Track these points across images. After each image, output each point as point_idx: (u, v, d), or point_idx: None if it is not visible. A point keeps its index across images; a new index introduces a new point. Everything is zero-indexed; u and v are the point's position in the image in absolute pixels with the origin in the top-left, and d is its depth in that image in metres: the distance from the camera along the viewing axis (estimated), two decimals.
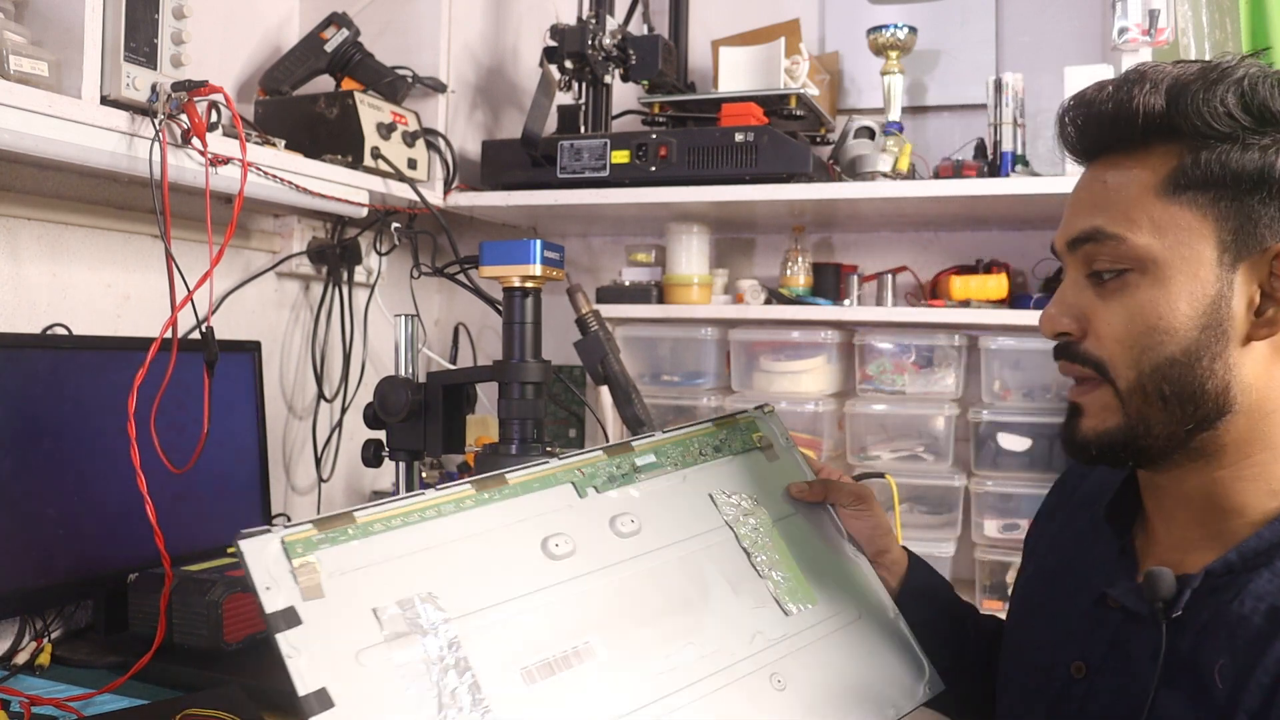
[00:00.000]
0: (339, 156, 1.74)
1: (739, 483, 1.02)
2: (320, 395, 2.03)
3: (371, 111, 1.79)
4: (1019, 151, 1.79)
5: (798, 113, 1.91)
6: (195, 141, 1.38)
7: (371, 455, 1.40)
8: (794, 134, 1.88)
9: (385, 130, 1.80)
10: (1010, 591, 1.19)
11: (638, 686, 0.82)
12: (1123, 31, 1.66)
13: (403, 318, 1.44)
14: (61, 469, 1.35)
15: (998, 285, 1.88)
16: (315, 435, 2.02)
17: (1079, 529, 0.94)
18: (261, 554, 0.75)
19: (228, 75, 1.84)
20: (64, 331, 1.47)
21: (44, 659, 1.35)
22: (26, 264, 1.47)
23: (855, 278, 2.02)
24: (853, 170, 1.86)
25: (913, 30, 1.95)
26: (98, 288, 1.58)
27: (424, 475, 1.56)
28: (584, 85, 2.00)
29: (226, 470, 1.60)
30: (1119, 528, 0.88)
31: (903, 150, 1.86)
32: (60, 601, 1.42)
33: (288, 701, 0.70)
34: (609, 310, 1.96)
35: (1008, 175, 1.77)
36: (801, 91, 1.89)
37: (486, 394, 1.86)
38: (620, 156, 1.88)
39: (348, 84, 1.87)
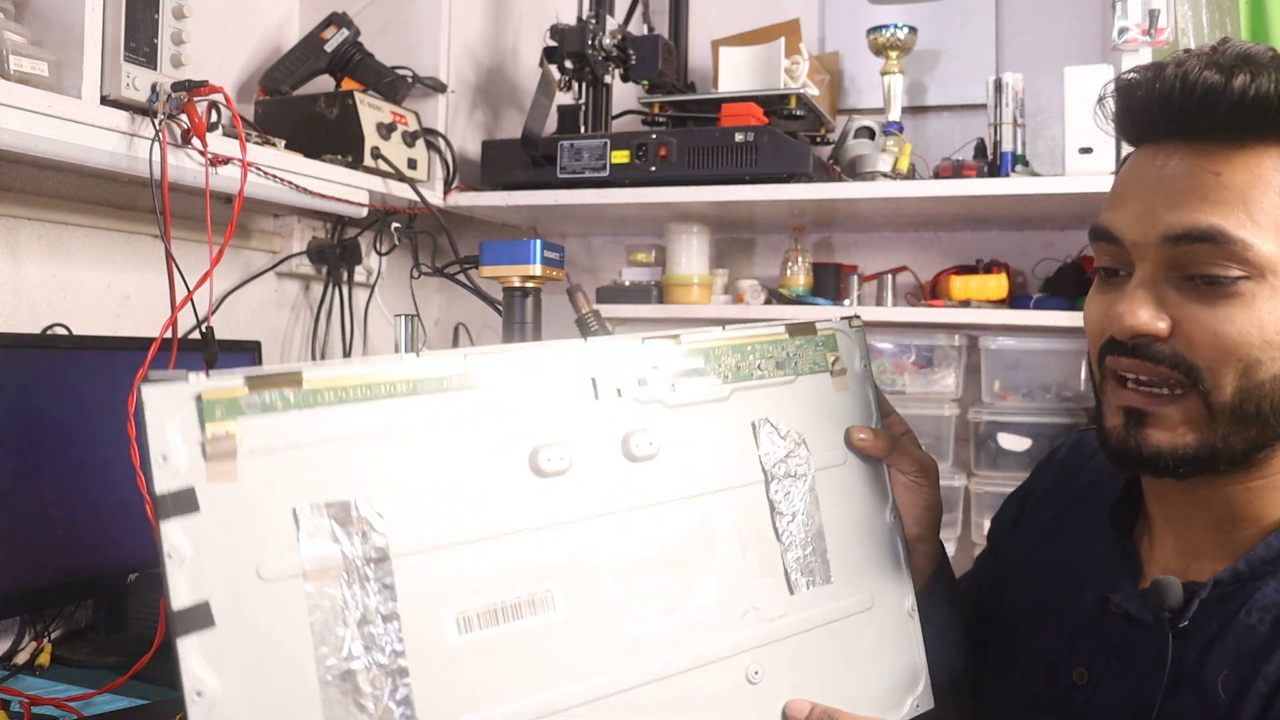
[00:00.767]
0: (339, 156, 1.74)
1: (793, 412, 0.82)
2: None
3: (371, 111, 1.79)
4: (1019, 151, 1.79)
5: (798, 113, 1.91)
6: (195, 141, 1.38)
7: None
8: (794, 134, 1.88)
9: (385, 130, 1.80)
10: (978, 556, 1.09)
11: (590, 655, 0.68)
12: (1123, 31, 1.66)
13: (403, 318, 1.43)
14: (61, 469, 1.35)
15: (998, 285, 1.88)
16: None
17: (1078, 525, 0.91)
18: (167, 409, 0.57)
19: (228, 75, 1.84)
20: (64, 331, 1.47)
21: (44, 659, 1.35)
22: (26, 264, 1.47)
23: (855, 278, 2.02)
24: (853, 170, 1.86)
25: (913, 30, 1.95)
26: (98, 288, 1.58)
27: None
28: (584, 85, 1.99)
29: None
30: (1121, 529, 0.85)
31: (903, 150, 1.86)
32: (60, 601, 1.42)
33: None
34: (609, 310, 1.96)
35: (1008, 175, 1.77)
36: (801, 91, 1.89)
37: None
38: (620, 156, 1.88)
39: (348, 84, 1.87)
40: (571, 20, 1.95)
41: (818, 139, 2.05)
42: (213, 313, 1.58)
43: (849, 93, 2.18)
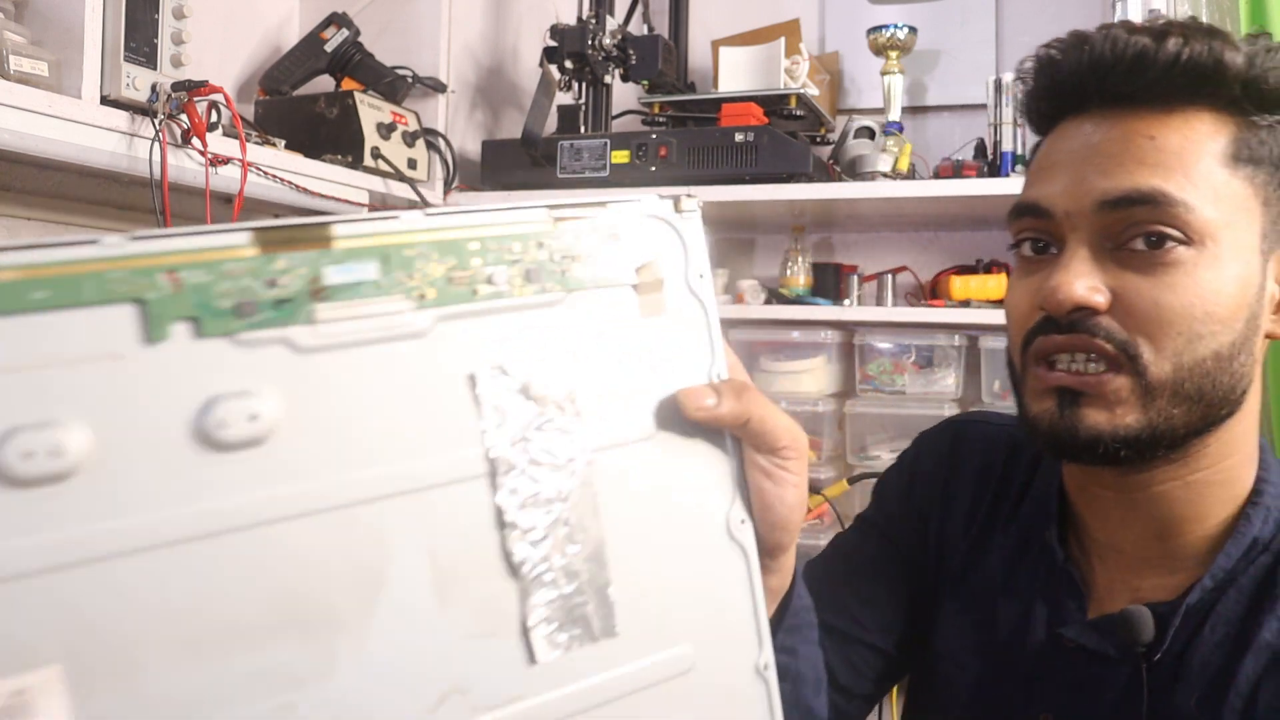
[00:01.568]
0: (339, 156, 1.75)
1: (557, 353, 0.46)
2: None
3: (371, 111, 1.80)
4: (1019, 151, 1.79)
5: (798, 113, 1.91)
6: (195, 141, 1.38)
7: None
8: (794, 134, 1.89)
9: (385, 130, 1.80)
10: (848, 539, 0.90)
11: None
12: None
13: None
14: None
15: (998, 285, 1.88)
16: None
17: (995, 534, 0.80)
18: None
19: (228, 75, 1.84)
20: None
21: None
22: None
23: (855, 278, 2.02)
24: (853, 170, 1.86)
25: (913, 30, 1.95)
26: None
27: None
28: (584, 85, 2.00)
29: None
30: (1053, 550, 0.76)
31: (903, 150, 1.86)
32: None
33: None
34: None
35: (1008, 175, 1.77)
36: (801, 91, 1.89)
37: None
38: (620, 156, 1.88)
39: (348, 84, 1.87)
40: (571, 20, 1.95)
41: (818, 139, 2.05)
42: None
43: (849, 93, 2.18)
